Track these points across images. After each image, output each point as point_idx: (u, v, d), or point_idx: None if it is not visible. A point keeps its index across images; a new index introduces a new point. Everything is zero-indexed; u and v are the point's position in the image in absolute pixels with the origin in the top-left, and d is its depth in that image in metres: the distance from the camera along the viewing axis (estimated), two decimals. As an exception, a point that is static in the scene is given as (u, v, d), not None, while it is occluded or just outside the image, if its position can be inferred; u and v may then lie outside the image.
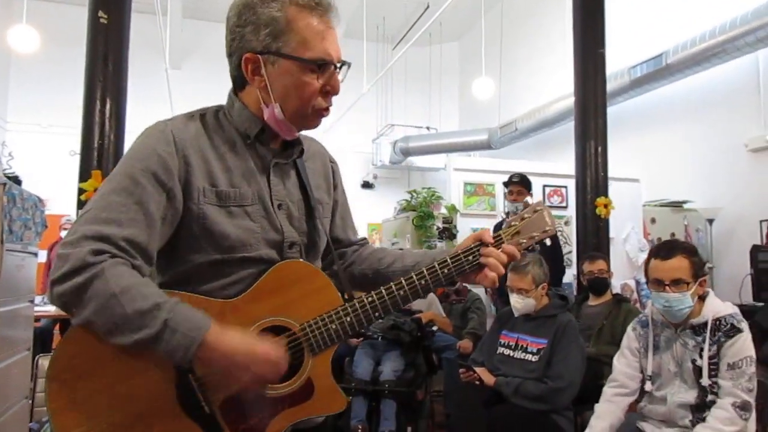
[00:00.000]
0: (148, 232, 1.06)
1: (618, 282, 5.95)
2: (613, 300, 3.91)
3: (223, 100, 1.23)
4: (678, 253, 2.21)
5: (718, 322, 2.18)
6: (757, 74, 6.04)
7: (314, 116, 1.17)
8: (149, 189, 1.06)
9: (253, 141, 1.18)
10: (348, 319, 1.13)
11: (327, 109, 1.17)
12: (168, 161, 1.09)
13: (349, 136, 10.70)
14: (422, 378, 3.97)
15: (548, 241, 1.26)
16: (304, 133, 1.27)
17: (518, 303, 3.04)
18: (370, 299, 1.15)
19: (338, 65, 1.15)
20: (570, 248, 5.93)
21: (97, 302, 0.98)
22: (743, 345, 2.12)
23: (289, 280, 1.14)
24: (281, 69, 1.12)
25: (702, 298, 2.26)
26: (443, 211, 6.22)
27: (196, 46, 10.63)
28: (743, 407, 2.05)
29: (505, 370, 2.96)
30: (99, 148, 3.66)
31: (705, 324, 2.19)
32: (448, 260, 1.19)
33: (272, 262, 1.16)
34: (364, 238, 1.46)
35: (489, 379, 2.93)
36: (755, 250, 5.38)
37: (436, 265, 1.19)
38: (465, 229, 6.07)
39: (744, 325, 2.17)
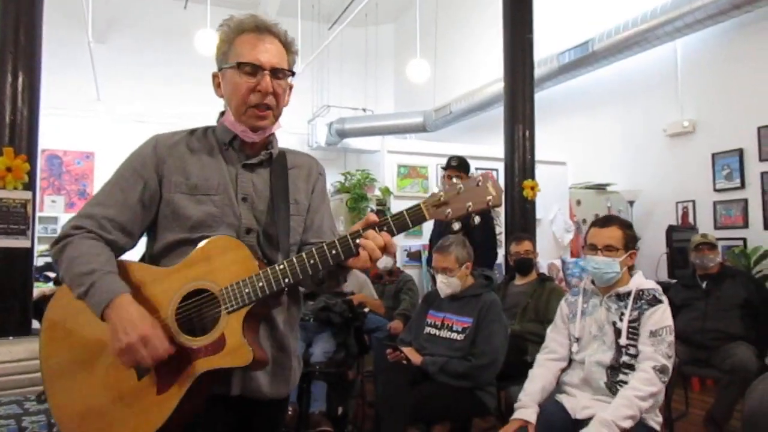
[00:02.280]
0: (127, 213, 1.39)
1: (545, 262, 6.17)
2: (538, 279, 4.06)
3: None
4: (614, 223, 2.48)
5: (641, 293, 2.39)
6: (675, 62, 6.34)
7: (251, 114, 1.40)
8: (131, 180, 1.41)
9: (228, 147, 1.45)
10: (260, 283, 1.29)
11: (260, 106, 1.39)
12: (147, 159, 1.42)
13: (284, 117, 10.46)
14: (353, 359, 4.00)
15: (477, 219, 1.24)
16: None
17: (443, 283, 3.10)
18: (281, 267, 1.30)
19: (269, 69, 1.38)
20: (500, 229, 6.08)
21: (64, 263, 1.33)
22: (663, 315, 2.32)
23: (216, 251, 1.34)
24: (226, 78, 1.42)
25: (630, 274, 2.48)
26: (377, 193, 6.25)
27: (122, 19, 10.14)
28: (662, 370, 2.24)
29: (432, 349, 3.02)
30: (11, 124, 3.44)
31: (629, 293, 2.40)
32: (336, 241, 1.28)
33: None
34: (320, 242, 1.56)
35: (416, 358, 2.98)
36: (671, 230, 5.70)
37: (331, 243, 1.29)
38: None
39: (664, 299, 2.39)
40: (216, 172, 1.43)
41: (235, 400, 1.40)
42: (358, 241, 1.26)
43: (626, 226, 2.49)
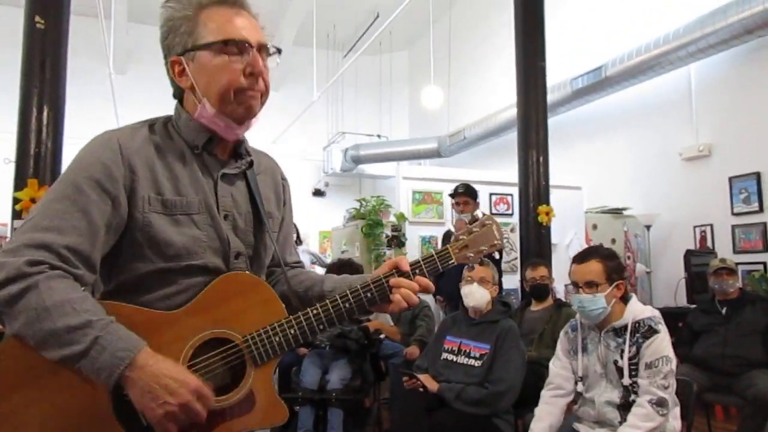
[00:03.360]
0: (91, 241, 1.05)
1: (561, 287, 6.13)
2: (554, 305, 4.02)
3: (171, 106, 1.23)
4: (592, 257, 2.39)
5: (637, 325, 2.31)
6: (689, 87, 6.35)
7: (239, 101, 1.15)
8: (93, 197, 1.06)
9: (201, 151, 1.19)
10: (292, 331, 1.15)
11: (251, 90, 1.15)
12: (113, 169, 1.09)
13: (299, 144, 10.66)
14: (369, 385, 3.99)
15: (496, 254, 1.32)
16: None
17: (478, 293, 3.09)
18: (314, 312, 1.17)
19: (256, 47, 1.15)
20: (515, 255, 6.07)
21: (27, 315, 0.97)
22: (659, 345, 2.25)
23: (233, 291, 1.14)
24: (200, 62, 1.14)
25: (625, 302, 2.39)
26: (392, 219, 6.27)
27: (142, 50, 10.38)
28: (659, 403, 2.17)
29: (449, 375, 3.01)
30: (35, 156, 3.55)
31: (626, 326, 2.32)
32: (371, 285, 1.21)
33: (218, 272, 1.17)
34: (299, 262, 1.46)
35: (432, 385, 2.98)
36: (689, 255, 5.64)
37: (366, 286, 1.21)
38: (413, 237, 6.14)
39: (661, 327, 2.30)
40: (194, 183, 1.17)
41: None
42: (391, 282, 1.21)
43: (607, 258, 2.39)
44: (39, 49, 3.59)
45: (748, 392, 3.48)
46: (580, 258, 2.44)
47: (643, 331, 2.29)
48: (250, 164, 1.26)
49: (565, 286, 6.14)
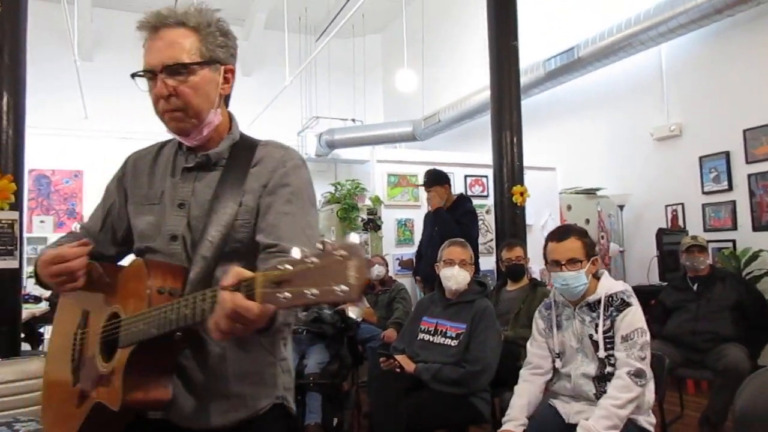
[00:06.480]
0: (94, 221, 1.47)
1: (537, 267, 6.18)
2: (530, 285, 4.06)
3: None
4: (571, 235, 2.42)
5: (610, 299, 2.35)
6: (660, 67, 6.40)
7: (166, 120, 1.30)
8: (103, 196, 1.49)
9: (177, 151, 1.40)
10: (141, 325, 1.14)
11: (167, 113, 1.27)
12: (116, 176, 1.48)
13: (273, 129, 10.48)
14: (347, 369, 3.98)
15: (351, 313, 0.91)
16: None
17: (460, 275, 3.09)
18: (166, 309, 1.10)
19: (159, 69, 1.25)
20: (491, 236, 6.10)
21: None
22: (633, 318, 2.28)
23: (130, 276, 1.28)
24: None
25: (597, 278, 2.43)
26: (368, 202, 6.25)
27: (108, 36, 10.13)
28: (637, 374, 2.20)
29: (426, 355, 3.01)
30: (-4, 144, 3.43)
31: (599, 301, 2.36)
32: (207, 293, 1.05)
33: (163, 252, 1.32)
34: (275, 244, 1.25)
35: (409, 365, 2.98)
36: (660, 233, 5.72)
37: (187, 300, 1.08)
38: (389, 221, 6.13)
39: (633, 299, 2.34)
40: (162, 178, 1.39)
41: (159, 423, 1.26)
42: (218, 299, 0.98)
43: (583, 235, 2.44)
44: (-4, 33, 3.46)
45: (719, 365, 3.56)
46: (559, 236, 2.45)
47: (617, 305, 2.32)
48: (207, 160, 1.34)
49: (544, 265, 6.21)
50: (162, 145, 1.46)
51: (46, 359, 1.53)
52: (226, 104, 1.40)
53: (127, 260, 1.42)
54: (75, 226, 6.70)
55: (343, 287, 0.83)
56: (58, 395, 1.39)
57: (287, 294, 0.86)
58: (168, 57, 1.23)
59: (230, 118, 1.41)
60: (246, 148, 1.36)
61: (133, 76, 1.28)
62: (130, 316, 1.19)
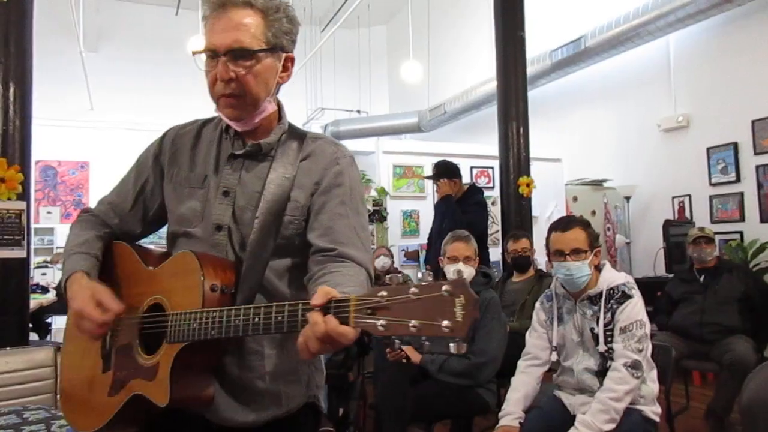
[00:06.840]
0: (123, 197, 1.39)
1: (543, 259, 6.16)
2: (536, 276, 4.06)
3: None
4: (575, 225, 2.41)
5: (611, 291, 2.33)
6: (668, 58, 6.35)
7: (220, 104, 1.24)
8: (134, 171, 1.40)
9: (224, 136, 1.32)
10: (194, 325, 1.10)
11: (224, 97, 1.21)
12: (150, 151, 1.39)
13: (278, 121, 10.49)
14: (353, 360, 3.99)
15: (452, 348, 0.85)
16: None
17: (466, 272, 3.06)
18: (217, 314, 1.08)
19: (223, 52, 1.18)
20: (497, 227, 6.09)
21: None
22: (633, 310, 2.27)
23: (179, 269, 1.20)
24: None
25: (599, 270, 2.41)
26: (373, 193, 6.24)
27: (114, 27, 10.12)
28: (634, 366, 2.19)
29: (431, 346, 3.01)
30: (3, 135, 3.43)
31: (600, 294, 2.35)
32: (286, 308, 1.00)
33: (205, 240, 1.26)
34: (332, 248, 1.20)
35: (415, 356, 2.98)
36: (667, 225, 5.70)
37: (280, 308, 1.02)
38: (395, 212, 6.13)
39: (635, 292, 2.33)
40: (207, 162, 1.31)
41: (185, 415, 1.22)
42: (308, 316, 0.94)
43: (587, 225, 2.43)
44: (2, 23, 3.46)
45: (725, 357, 3.55)
46: (563, 226, 2.43)
47: (617, 297, 2.31)
48: (258, 149, 1.28)
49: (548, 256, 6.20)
50: (204, 123, 1.38)
51: (64, 337, 1.41)
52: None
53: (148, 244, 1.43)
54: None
55: (449, 323, 0.82)
56: (83, 379, 1.32)
57: (384, 322, 0.85)
58: (234, 40, 1.18)
59: (279, 106, 1.36)
60: (295, 139, 1.32)
61: (194, 53, 1.25)
62: (178, 310, 1.14)
